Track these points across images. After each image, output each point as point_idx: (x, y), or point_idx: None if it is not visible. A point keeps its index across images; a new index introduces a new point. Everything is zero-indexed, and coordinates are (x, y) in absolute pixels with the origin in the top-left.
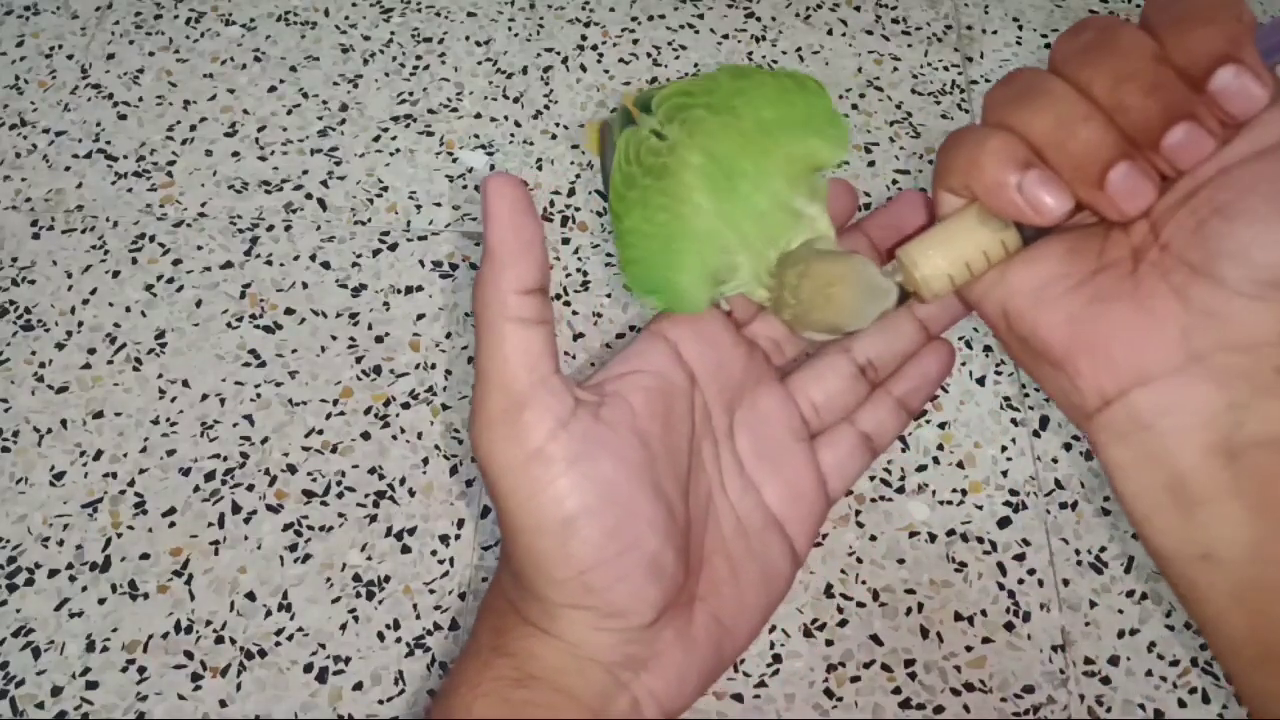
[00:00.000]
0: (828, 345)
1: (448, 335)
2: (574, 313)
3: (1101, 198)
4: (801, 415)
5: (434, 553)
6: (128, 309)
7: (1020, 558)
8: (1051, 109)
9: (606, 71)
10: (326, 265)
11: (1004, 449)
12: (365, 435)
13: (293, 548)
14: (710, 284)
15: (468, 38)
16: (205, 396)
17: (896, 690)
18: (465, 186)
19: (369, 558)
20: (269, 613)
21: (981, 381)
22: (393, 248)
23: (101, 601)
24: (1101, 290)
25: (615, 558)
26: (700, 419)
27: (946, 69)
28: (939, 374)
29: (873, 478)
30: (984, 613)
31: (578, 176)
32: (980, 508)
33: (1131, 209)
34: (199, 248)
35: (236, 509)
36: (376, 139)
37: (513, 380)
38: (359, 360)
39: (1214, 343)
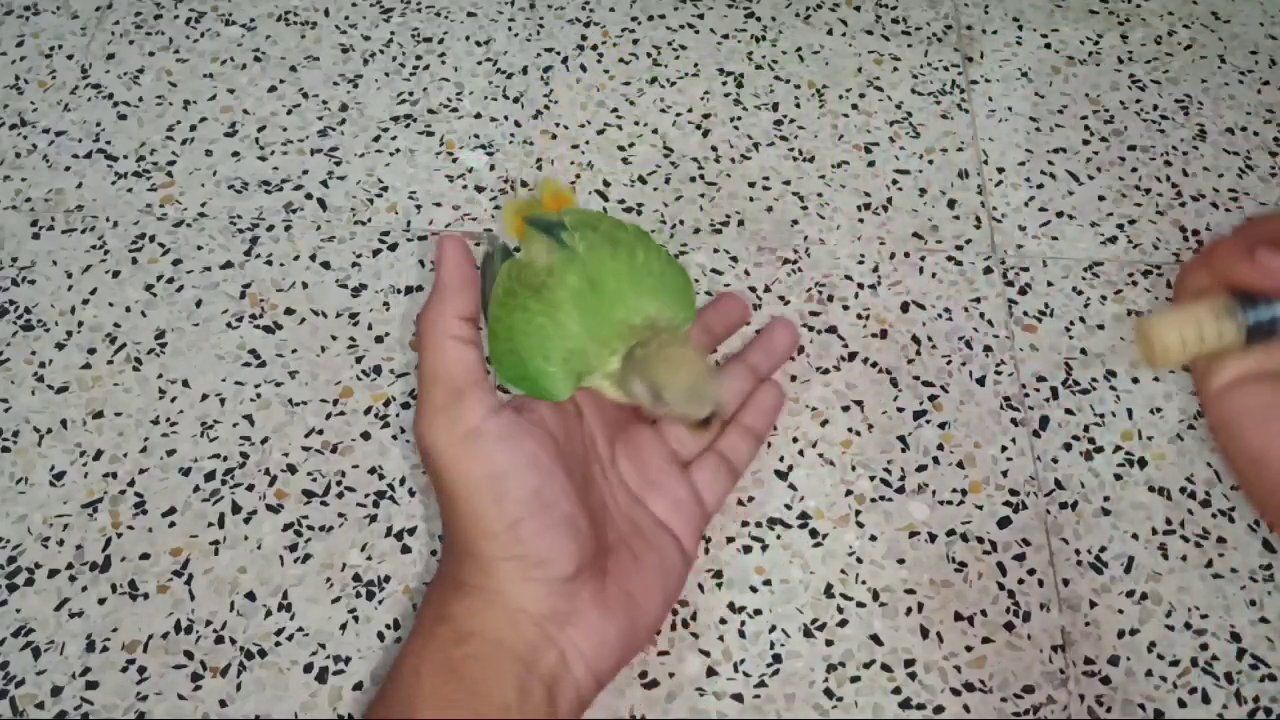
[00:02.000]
0: None
1: None
2: None
3: None
4: (670, 447)
5: (434, 553)
6: (128, 309)
7: (1020, 558)
8: None
9: (606, 71)
10: (326, 265)
11: (1004, 449)
12: (365, 435)
13: (293, 548)
14: (573, 378)
15: (468, 38)
16: (205, 396)
17: (896, 690)
18: (465, 186)
19: (369, 558)
20: (269, 613)
21: (981, 381)
22: (393, 248)
23: (101, 601)
24: None
25: (540, 511)
26: (588, 445)
27: (946, 69)
28: (776, 406)
29: (873, 478)
30: (984, 613)
31: (578, 176)
32: (980, 508)
33: None
34: (199, 248)
35: (236, 509)
36: (376, 139)
37: (453, 378)
38: (359, 360)
39: None
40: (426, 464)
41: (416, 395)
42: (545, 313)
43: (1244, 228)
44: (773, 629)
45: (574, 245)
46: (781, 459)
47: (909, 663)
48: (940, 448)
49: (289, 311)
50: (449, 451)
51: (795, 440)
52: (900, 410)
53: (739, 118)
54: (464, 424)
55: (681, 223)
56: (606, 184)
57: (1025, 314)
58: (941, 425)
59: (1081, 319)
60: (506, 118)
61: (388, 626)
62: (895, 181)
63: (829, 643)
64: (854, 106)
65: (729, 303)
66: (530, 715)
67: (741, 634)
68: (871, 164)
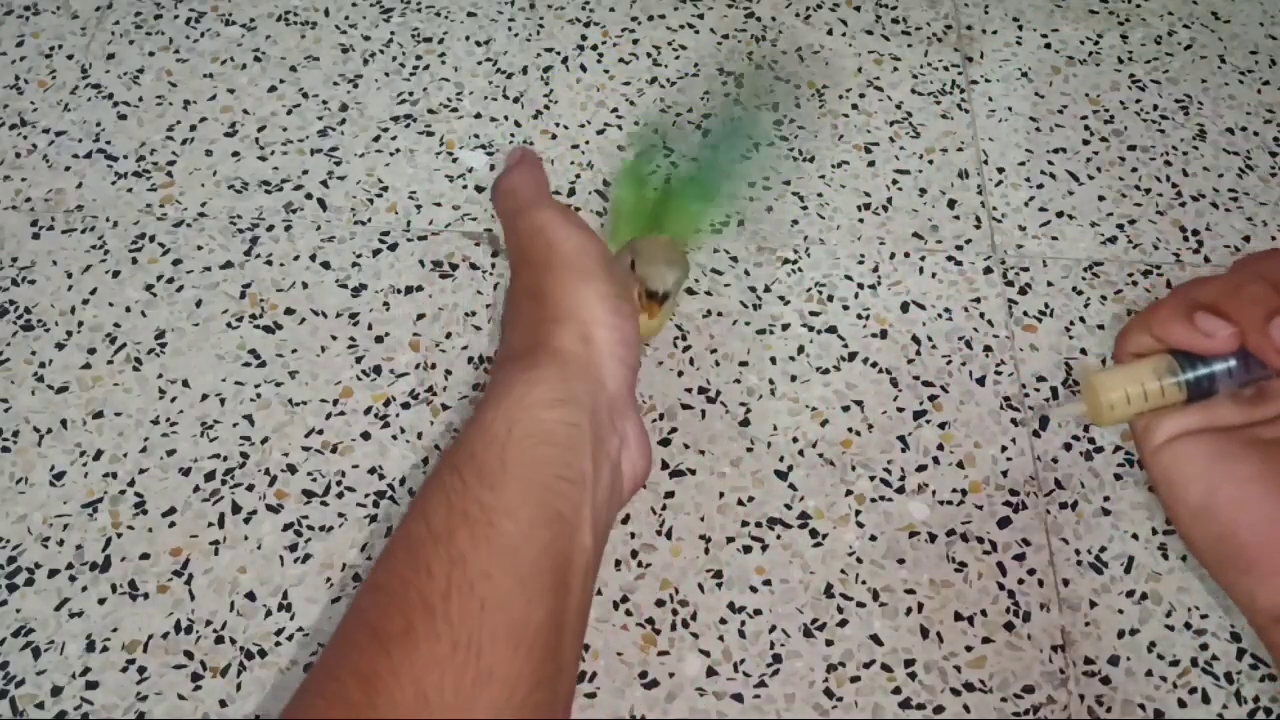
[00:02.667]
0: None
1: (448, 335)
2: None
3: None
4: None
5: None
6: (128, 309)
7: (1020, 558)
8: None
9: (606, 71)
10: (326, 265)
11: (1004, 449)
12: (365, 435)
13: (293, 548)
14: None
15: (468, 38)
16: (205, 396)
17: (896, 690)
18: (465, 186)
19: (369, 558)
20: (269, 613)
21: (981, 381)
22: (393, 248)
23: (101, 601)
24: None
25: (629, 297)
26: None
27: (946, 69)
28: None
29: (873, 478)
30: (984, 613)
31: (578, 177)
32: (980, 508)
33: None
34: (199, 248)
35: (236, 509)
36: (376, 139)
37: (545, 183)
38: (359, 360)
39: None
40: (530, 242)
41: (525, 196)
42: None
43: (1180, 290)
44: (773, 629)
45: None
46: (781, 459)
47: (909, 663)
48: (940, 448)
49: (289, 311)
50: (568, 225)
51: (795, 440)
52: (900, 410)
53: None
54: (568, 212)
55: None
56: (606, 184)
57: (1025, 314)
58: (941, 425)
59: (1081, 319)
60: (506, 118)
61: None
62: (895, 181)
63: (829, 643)
64: (854, 106)
65: None
66: (601, 491)
67: (741, 634)
68: (871, 164)
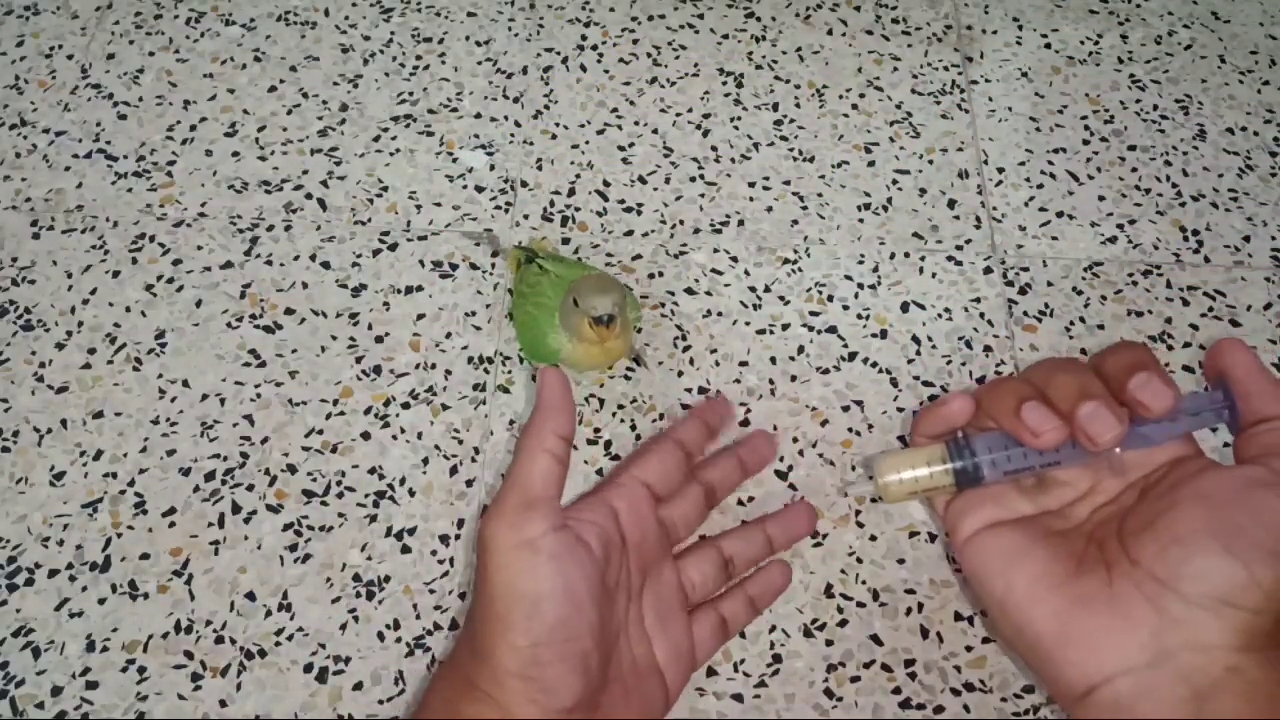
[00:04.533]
0: (701, 544)
1: (448, 335)
2: None
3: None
4: (684, 591)
5: (434, 553)
6: (128, 309)
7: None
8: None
9: (606, 71)
10: (326, 265)
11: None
12: (365, 435)
13: (293, 548)
14: (550, 351)
15: (468, 38)
16: (205, 396)
17: (896, 690)
18: (465, 186)
19: (369, 558)
20: (269, 613)
21: (981, 381)
22: (393, 248)
23: (101, 601)
24: (1083, 594)
25: (561, 642)
26: (624, 575)
27: (946, 69)
28: (781, 585)
29: (873, 478)
30: (984, 613)
31: (578, 177)
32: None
33: (1045, 438)
34: (199, 248)
35: (236, 509)
36: (376, 139)
37: (531, 488)
38: (359, 360)
39: (1180, 643)
40: (479, 558)
41: (497, 494)
42: (538, 303)
43: (982, 390)
44: (773, 629)
45: (546, 262)
46: (781, 459)
47: (909, 663)
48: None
49: (289, 311)
50: (504, 554)
51: (795, 440)
52: (900, 410)
53: (739, 118)
54: (525, 533)
55: (681, 223)
56: (606, 184)
57: (1025, 314)
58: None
59: (1081, 319)
60: (506, 118)
61: (388, 626)
62: (895, 181)
63: (829, 643)
64: (854, 106)
65: (759, 441)
66: None
67: (741, 634)
68: (871, 164)
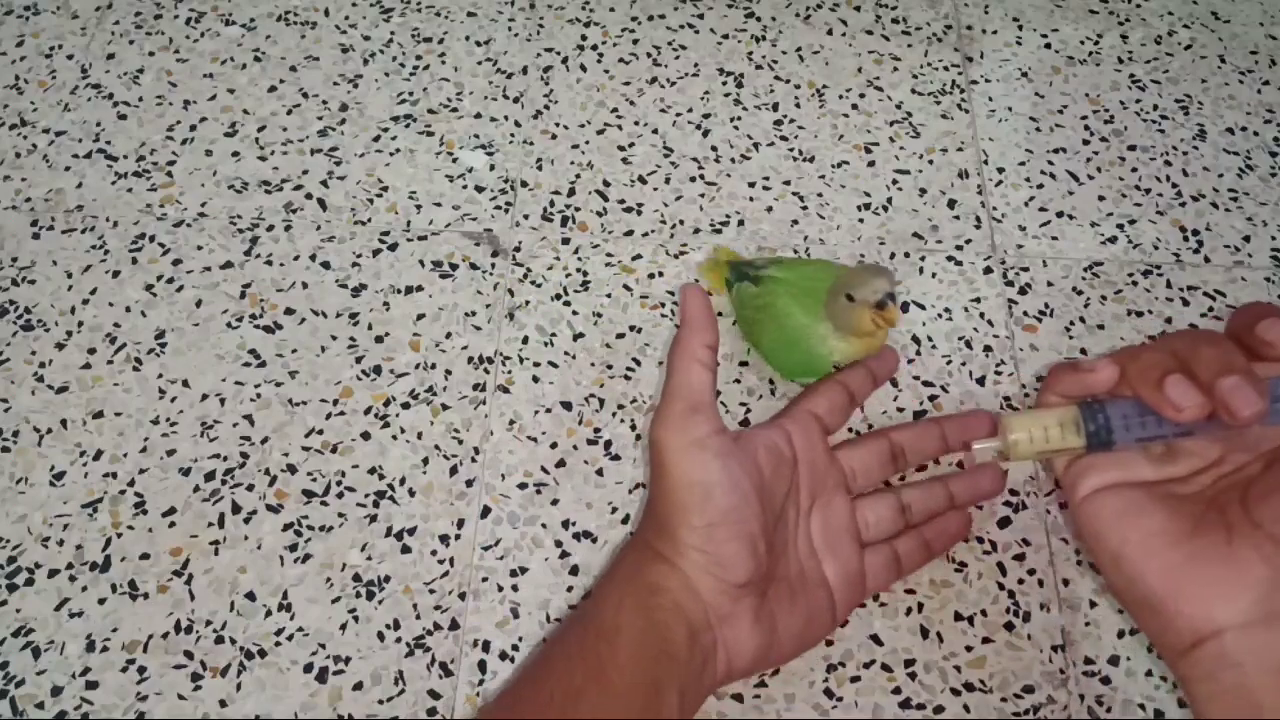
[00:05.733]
0: (881, 490)
1: (448, 335)
2: (574, 313)
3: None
4: (858, 526)
5: (434, 553)
6: (128, 309)
7: (1020, 558)
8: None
9: (606, 71)
10: (326, 265)
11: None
12: (365, 435)
13: (293, 548)
14: (823, 342)
15: (468, 38)
16: (205, 396)
17: (896, 690)
18: (465, 186)
19: (369, 558)
20: (269, 613)
21: (981, 381)
22: (393, 248)
23: (101, 601)
24: (1199, 550)
25: (733, 523)
26: (793, 487)
27: (946, 69)
28: (957, 533)
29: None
30: (984, 613)
31: (578, 177)
32: (980, 508)
33: (1186, 410)
34: (199, 248)
35: (236, 509)
36: (376, 139)
37: (692, 394)
38: (359, 360)
39: None
40: (653, 458)
41: (658, 403)
42: (773, 319)
43: (1121, 353)
44: None
45: (768, 274)
46: None
47: (909, 663)
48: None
49: (289, 311)
50: (677, 452)
51: None
52: (900, 410)
53: (739, 118)
54: (693, 434)
55: (681, 223)
56: (606, 184)
57: (1025, 314)
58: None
59: (1081, 319)
60: (506, 118)
61: (388, 626)
62: (895, 181)
63: (829, 643)
64: (854, 106)
65: (974, 422)
66: (691, 672)
67: None
68: (871, 164)
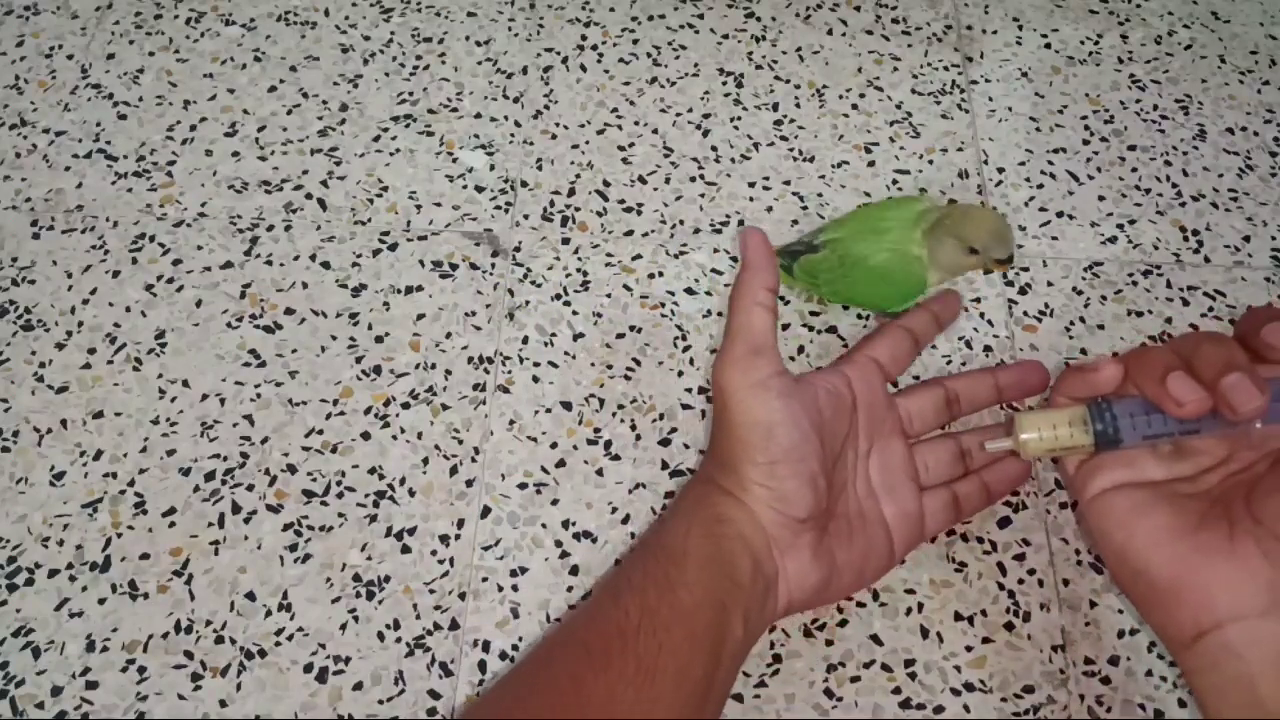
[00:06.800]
0: (938, 435)
1: (448, 335)
2: (574, 313)
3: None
4: (915, 468)
5: (434, 553)
6: (128, 309)
7: (1020, 558)
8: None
9: (606, 71)
10: (326, 265)
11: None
12: (365, 435)
13: (293, 548)
14: (919, 283)
15: (468, 38)
16: (205, 396)
17: (896, 690)
18: (465, 186)
19: (369, 558)
20: (269, 613)
21: None
22: (393, 248)
23: (101, 601)
24: (1203, 544)
25: (794, 461)
26: (851, 430)
27: (946, 69)
28: (1017, 478)
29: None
30: (984, 613)
31: (578, 176)
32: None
33: (1190, 406)
34: (199, 248)
35: (236, 509)
36: (376, 139)
37: (754, 336)
38: (359, 360)
39: None
40: (716, 399)
41: (720, 345)
42: (855, 266)
43: (1129, 355)
44: (773, 629)
45: (826, 237)
46: None
47: (909, 663)
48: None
49: (289, 311)
50: (740, 393)
51: None
52: None
53: (739, 118)
54: (756, 374)
55: (681, 223)
56: (606, 184)
57: (1025, 314)
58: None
59: (1081, 319)
60: (506, 118)
61: (388, 626)
62: (895, 181)
63: (829, 643)
64: (854, 106)
65: (1025, 371)
66: (754, 599)
67: None
68: (871, 164)
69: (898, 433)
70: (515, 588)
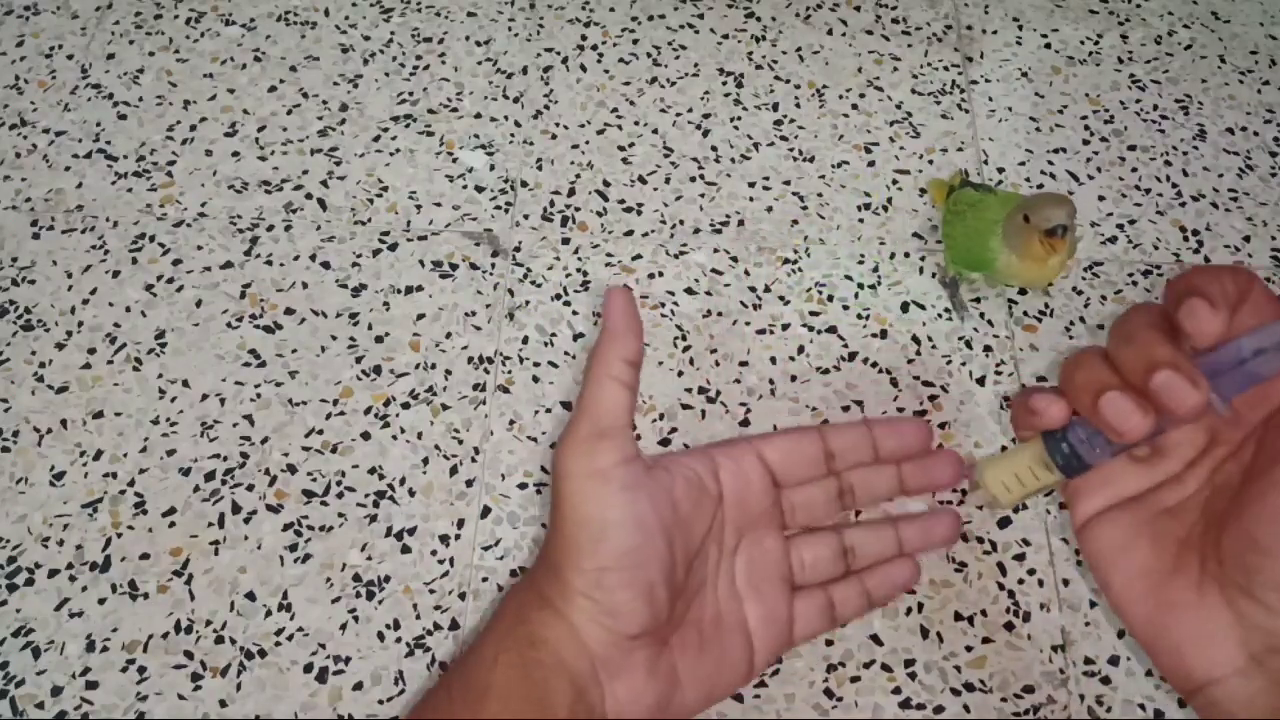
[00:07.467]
0: (822, 529)
1: (448, 335)
2: (574, 313)
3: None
4: (790, 567)
5: (434, 553)
6: (128, 309)
7: (1020, 558)
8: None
9: (606, 71)
10: (326, 265)
11: (1004, 449)
12: (365, 435)
13: (293, 548)
14: (987, 259)
15: (468, 38)
16: (205, 396)
17: (896, 690)
18: (465, 186)
19: (369, 558)
20: (269, 613)
21: (981, 381)
22: (393, 248)
23: (101, 601)
24: (1172, 600)
25: (627, 569)
26: (715, 526)
27: (946, 69)
28: (903, 584)
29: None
30: (984, 613)
31: (578, 176)
32: (980, 507)
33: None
34: (199, 248)
35: (236, 509)
36: (376, 139)
37: (602, 417)
38: (359, 360)
39: (1265, 648)
40: (553, 484)
41: (568, 421)
42: (967, 219)
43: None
44: None
45: (990, 195)
46: None
47: (909, 663)
48: (940, 447)
49: (289, 311)
50: (575, 482)
51: None
52: (900, 410)
53: (739, 118)
54: (597, 462)
55: (681, 223)
56: (606, 184)
57: (1025, 314)
58: (941, 425)
59: (1081, 319)
60: (506, 118)
61: (388, 626)
62: (895, 181)
63: (829, 643)
64: (854, 106)
65: (939, 465)
66: None
67: None
68: (871, 164)
69: (774, 526)
70: None
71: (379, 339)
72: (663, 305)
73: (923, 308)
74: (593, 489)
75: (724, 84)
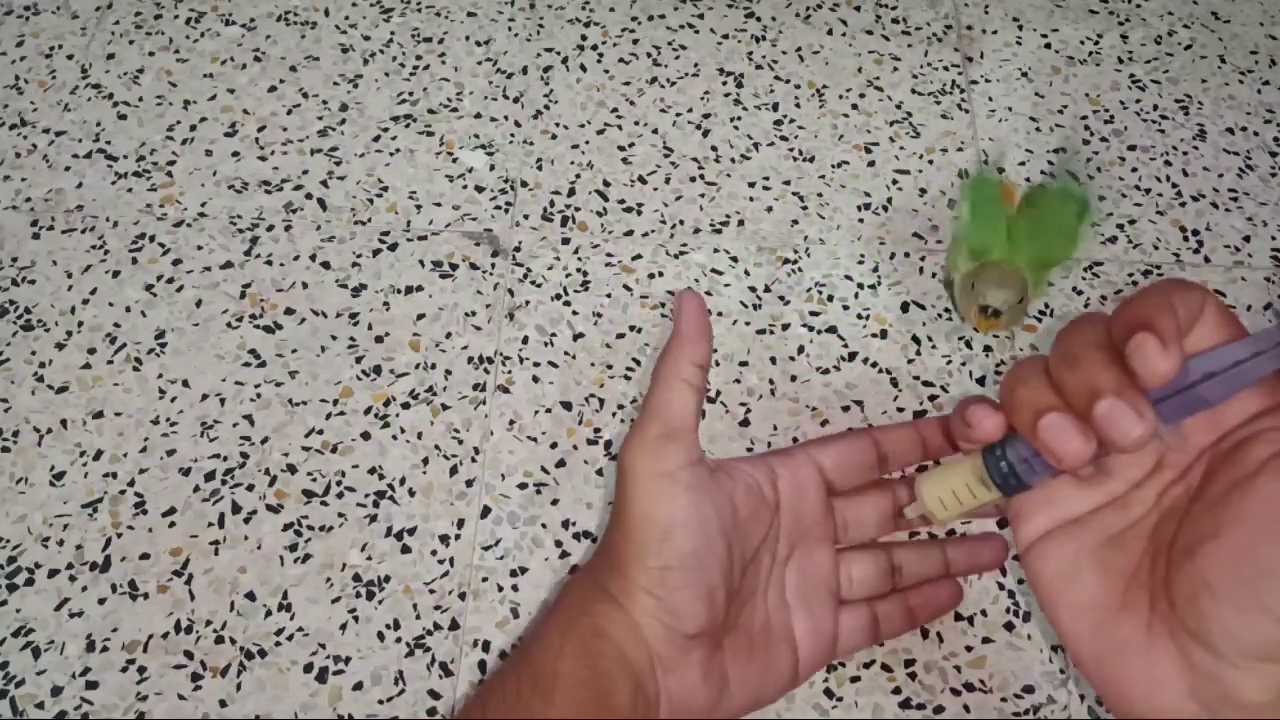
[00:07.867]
0: (871, 546)
1: (448, 335)
2: (574, 313)
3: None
4: (839, 582)
5: (434, 553)
6: (128, 309)
7: (1020, 557)
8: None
9: (606, 71)
10: (326, 265)
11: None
12: (365, 435)
13: (293, 548)
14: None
15: (468, 38)
16: (205, 396)
17: (896, 690)
18: (465, 186)
19: (369, 558)
20: (269, 613)
21: (982, 381)
22: (393, 248)
23: (101, 601)
24: (1120, 641)
25: (690, 569)
26: (770, 535)
27: (946, 69)
28: (947, 605)
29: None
30: (984, 613)
31: (578, 176)
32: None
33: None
34: (199, 248)
35: (236, 509)
36: (376, 139)
37: (671, 419)
38: (359, 360)
39: (1216, 697)
40: (619, 482)
41: (634, 421)
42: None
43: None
44: None
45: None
46: None
47: (909, 663)
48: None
49: (289, 311)
50: (643, 481)
51: (795, 440)
52: (900, 410)
53: (739, 118)
54: (665, 463)
55: (681, 223)
56: (606, 184)
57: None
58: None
59: None
60: (506, 118)
61: (388, 626)
62: (895, 181)
63: None
64: (854, 106)
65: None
66: None
67: None
68: (871, 164)
69: (826, 540)
70: (515, 588)
71: (379, 339)
72: (662, 305)
73: (923, 308)
74: (660, 489)
75: (724, 84)
